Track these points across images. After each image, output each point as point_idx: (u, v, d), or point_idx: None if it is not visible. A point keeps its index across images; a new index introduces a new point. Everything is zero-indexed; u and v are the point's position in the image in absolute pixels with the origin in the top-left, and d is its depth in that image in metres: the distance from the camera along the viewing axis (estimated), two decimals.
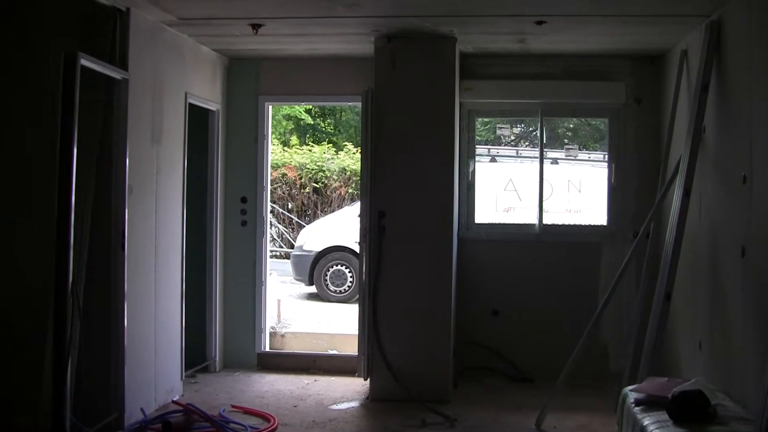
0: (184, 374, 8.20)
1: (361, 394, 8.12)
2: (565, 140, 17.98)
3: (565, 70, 8.79)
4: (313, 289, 14.66)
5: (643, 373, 6.60)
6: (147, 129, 7.29)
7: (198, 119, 8.81)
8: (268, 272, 9.71)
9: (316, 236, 14.69)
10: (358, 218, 8.34)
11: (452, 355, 8.11)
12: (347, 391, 8.25)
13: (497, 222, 9.40)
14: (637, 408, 5.60)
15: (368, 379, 7.99)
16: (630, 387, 6.05)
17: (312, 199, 19.70)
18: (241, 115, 9.27)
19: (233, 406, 7.57)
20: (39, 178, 6.33)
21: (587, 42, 8.12)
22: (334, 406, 7.74)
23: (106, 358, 6.72)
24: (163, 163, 7.62)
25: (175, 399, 7.64)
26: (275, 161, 19.57)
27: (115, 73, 6.60)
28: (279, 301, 11.65)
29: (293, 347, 9.78)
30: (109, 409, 6.69)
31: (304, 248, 14.58)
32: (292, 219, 19.55)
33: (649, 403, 5.57)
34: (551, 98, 8.86)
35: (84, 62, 5.85)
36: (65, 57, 5.75)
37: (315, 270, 14.36)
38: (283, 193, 19.60)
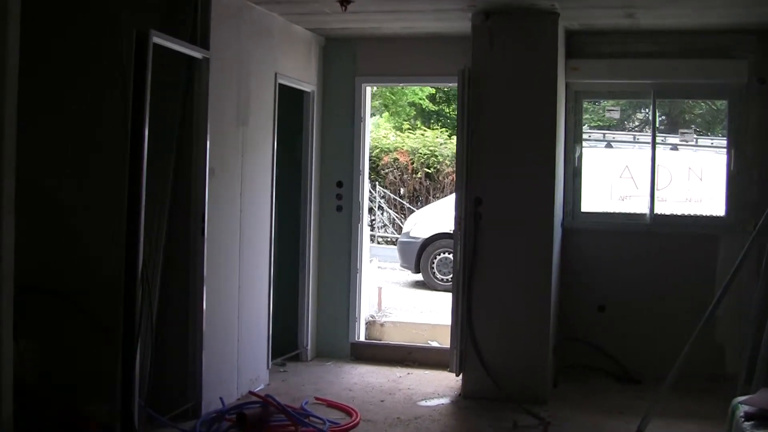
0: (271, 362, 7.96)
1: (454, 390, 7.71)
2: (692, 125, 17.08)
3: (681, 47, 8.08)
4: (419, 276, 14.28)
5: (757, 382, 5.98)
6: (231, 110, 7.04)
7: (292, 100, 8.57)
8: (368, 259, 9.39)
9: (423, 222, 14.32)
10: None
11: (552, 352, 7.63)
12: (440, 387, 7.85)
13: (605, 211, 8.74)
14: (747, 423, 5.01)
15: (460, 375, 7.58)
16: (741, 398, 5.44)
17: (424, 185, 19.33)
18: (338, 97, 8.96)
19: (317, 399, 7.28)
20: (114, 157, 6.11)
21: (704, 15, 7.42)
22: (423, 402, 7.36)
23: (185, 345, 6.53)
24: (250, 144, 7.36)
25: (256, 389, 7.38)
26: (387, 146, 19.30)
27: (194, 52, 6.37)
28: (380, 288, 11.31)
29: (392, 337, 9.42)
30: (186, 397, 6.50)
31: (411, 235, 14.22)
32: (404, 205, 19.23)
33: (762, 418, 4.97)
34: (665, 78, 8.18)
35: (156, 40, 5.62)
36: (137, 35, 5.53)
37: (422, 257, 13.98)
38: (395, 178, 19.31)
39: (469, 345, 7.45)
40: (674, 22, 7.68)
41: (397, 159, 19.14)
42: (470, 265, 7.46)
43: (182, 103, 6.48)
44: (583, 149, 8.63)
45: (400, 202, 19.34)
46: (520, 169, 7.41)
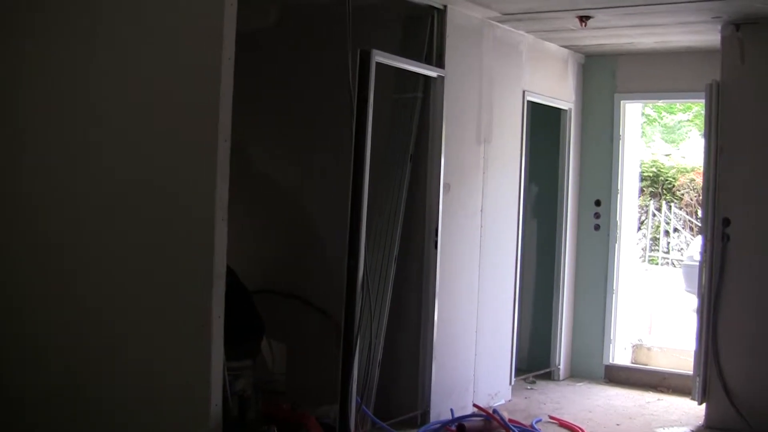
0: (516, 379, 8.02)
1: (699, 419, 7.33)
2: None
3: None
4: None
5: None
6: (471, 127, 7.21)
7: (549, 118, 8.63)
8: (629, 280, 9.15)
9: None
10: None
11: None
12: (685, 415, 7.52)
13: None
14: None
15: (703, 404, 7.23)
16: None
17: None
18: (598, 114, 8.87)
19: (551, 417, 7.23)
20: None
21: None
22: (660, 429, 7.08)
23: (417, 355, 6.77)
24: (493, 161, 7.49)
25: (496, 404, 7.43)
26: (684, 166, 18.58)
27: (427, 71, 6.61)
28: (651, 312, 10.97)
29: (659, 362, 9.09)
30: (416, 404, 6.73)
31: (695, 258, 13.60)
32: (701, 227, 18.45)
33: None
34: None
35: (378, 59, 5.90)
36: (360, 54, 5.84)
37: None
38: (691, 199, 18.51)
39: (713, 372, 7.10)
40: None
41: (694, 179, 18.35)
42: (716, 289, 7.10)
43: (419, 118, 6.75)
44: None
45: (697, 225, 18.54)
46: None
